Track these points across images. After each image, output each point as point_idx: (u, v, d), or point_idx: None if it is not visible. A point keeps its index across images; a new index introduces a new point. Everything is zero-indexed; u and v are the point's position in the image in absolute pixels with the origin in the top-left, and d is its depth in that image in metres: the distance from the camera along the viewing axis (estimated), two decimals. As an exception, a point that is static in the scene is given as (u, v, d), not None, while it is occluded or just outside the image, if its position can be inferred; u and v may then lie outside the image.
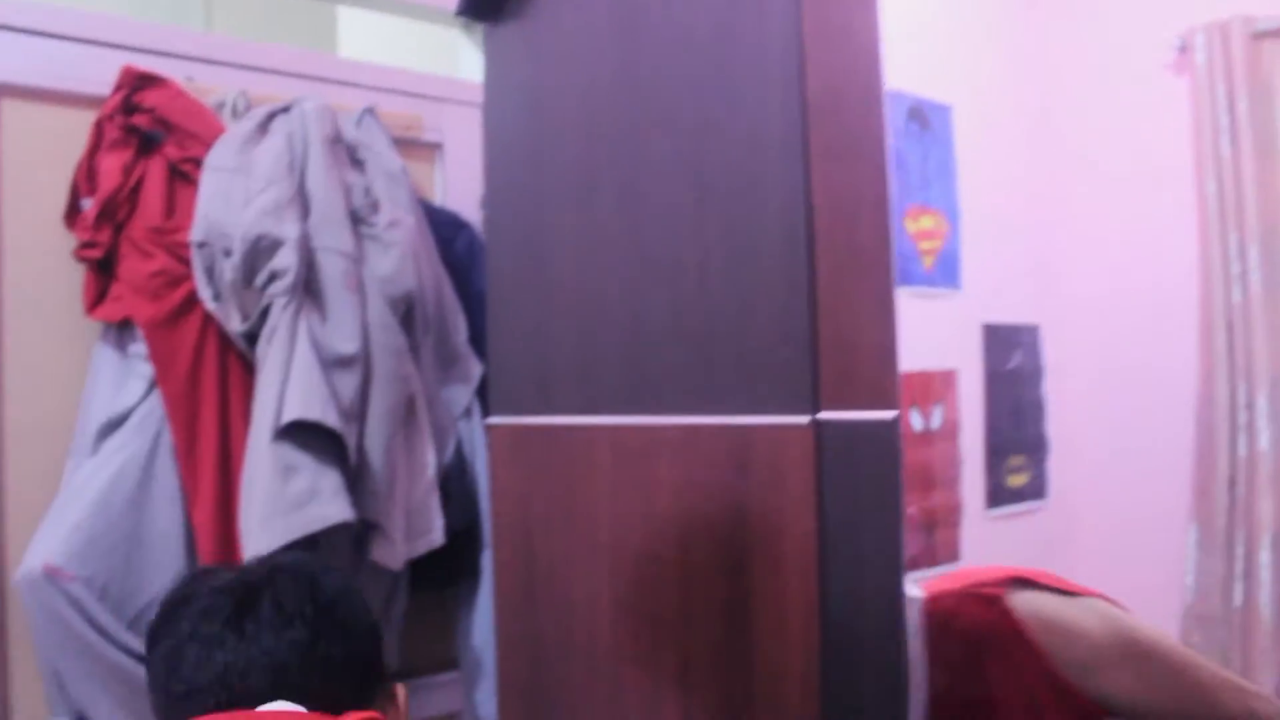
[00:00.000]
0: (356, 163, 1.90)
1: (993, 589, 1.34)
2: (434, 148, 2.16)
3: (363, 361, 1.70)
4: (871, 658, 1.07)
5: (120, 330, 1.72)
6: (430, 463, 1.81)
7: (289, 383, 1.61)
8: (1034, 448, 3.47)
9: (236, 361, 1.73)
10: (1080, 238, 3.48)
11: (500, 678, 1.39)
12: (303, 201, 1.75)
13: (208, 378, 1.70)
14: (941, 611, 1.35)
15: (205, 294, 1.70)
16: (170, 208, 1.75)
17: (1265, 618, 2.97)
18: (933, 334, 3.07)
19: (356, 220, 1.82)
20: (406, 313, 1.82)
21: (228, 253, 1.69)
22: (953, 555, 3.08)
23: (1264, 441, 3.00)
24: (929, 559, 3.00)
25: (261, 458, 1.57)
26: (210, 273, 1.70)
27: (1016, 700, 1.35)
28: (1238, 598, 3.03)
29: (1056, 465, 3.52)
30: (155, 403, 1.66)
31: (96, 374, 1.71)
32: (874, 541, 1.07)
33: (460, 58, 2.36)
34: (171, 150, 1.76)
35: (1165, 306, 3.27)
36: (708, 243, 1.17)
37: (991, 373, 3.29)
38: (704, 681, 1.18)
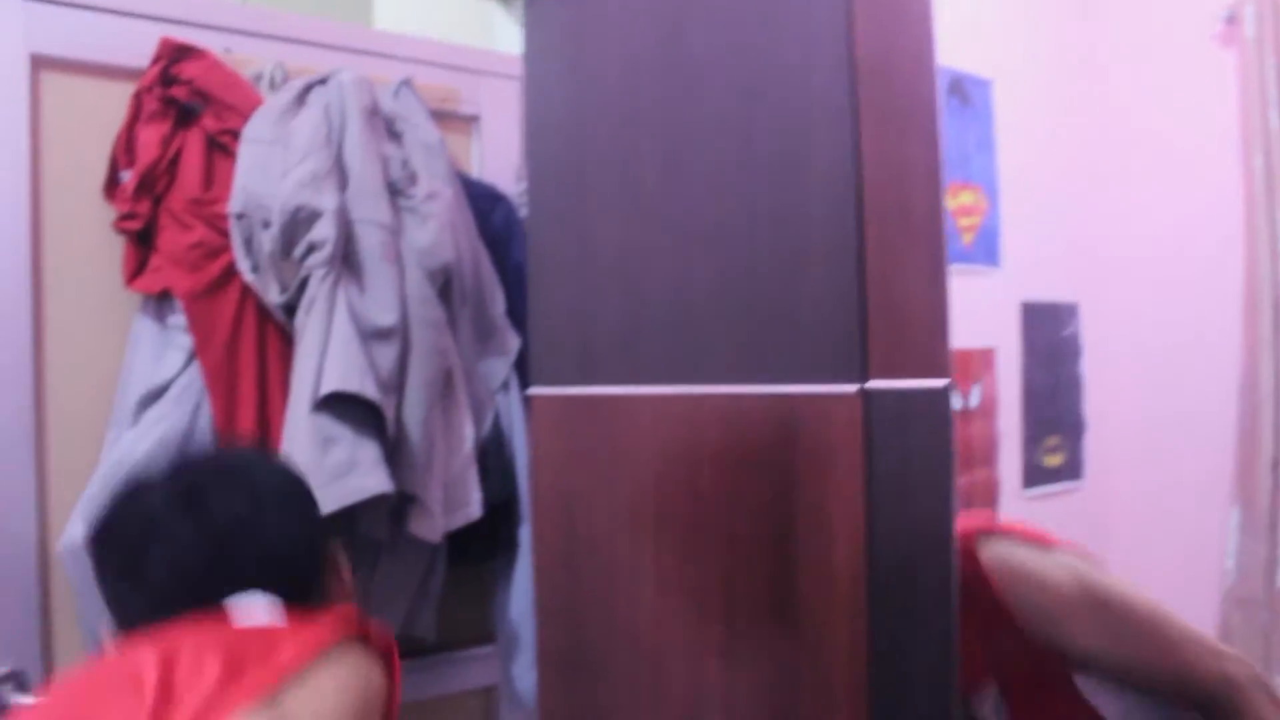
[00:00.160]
0: (394, 135, 1.89)
1: (963, 539, 1.32)
2: (471, 120, 2.15)
3: (401, 334, 1.70)
4: (921, 631, 1.05)
5: (159, 302, 1.72)
6: (468, 436, 1.80)
7: (327, 354, 1.60)
8: (1070, 427, 3.43)
9: (275, 333, 1.73)
10: (1122, 214, 3.43)
11: (539, 650, 1.39)
12: (340, 173, 1.74)
13: (246, 349, 1.70)
14: None
15: (244, 265, 1.70)
16: (209, 179, 1.75)
17: (1309, 601, 2.93)
18: (971, 312, 3.04)
19: (394, 192, 1.81)
20: (444, 285, 1.81)
21: (266, 224, 1.69)
22: (989, 535, 3.05)
23: (1309, 421, 2.95)
24: (965, 538, 2.97)
25: (300, 429, 1.57)
26: (249, 244, 1.70)
27: (980, 651, 1.33)
28: (1280, 580, 3.00)
29: (1093, 445, 3.49)
30: (194, 374, 1.66)
31: (136, 345, 1.71)
32: (924, 513, 1.05)
33: (497, 31, 2.34)
34: (209, 122, 1.76)
35: (1208, 284, 3.22)
36: (754, 209, 1.15)
37: (1029, 351, 3.26)
38: (749, 654, 1.17)
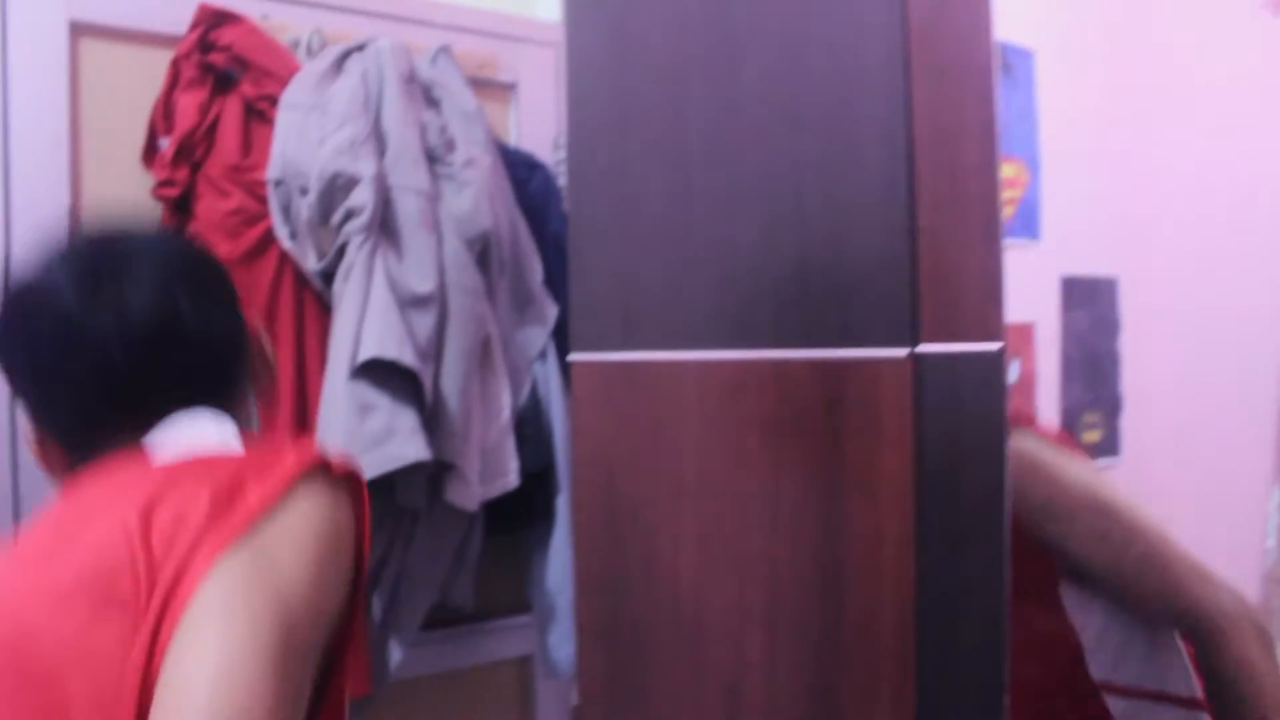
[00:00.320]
0: (431, 102, 1.87)
1: None
2: (508, 88, 2.13)
3: (439, 301, 1.68)
4: (971, 603, 1.03)
5: (197, 269, 1.71)
6: (506, 404, 1.79)
7: (365, 321, 1.59)
8: (1108, 404, 3.39)
9: (312, 300, 1.72)
10: (1164, 188, 3.37)
11: (578, 620, 1.37)
12: (378, 140, 1.73)
13: (284, 316, 1.70)
14: None
15: (281, 232, 1.69)
16: (247, 146, 1.74)
17: (1352, 581, 2.89)
18: (1010, 286, 2.99)
19: (432, 159, 1.79)
20: (482, 253, 1.79)
21: (304, 191, 1.68)
22: (1027, 511, 3.02)
23: (1356, 399, 2.90)
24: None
25: (338, 396, 1.56)
26: (287, 211, 1.70)
27: None
28: (1323, 560, 2.96)
29: (1131, 422, 3.44)
30: (233, 341, 1.65)
31: (175, 312, 1.70)
32: (976, 481, 1.03)
33: (535, -2, 2.32)
34: (247, 88, 1.75)
35: (1250, 260, 3.17)
36: (802, 168, 1.13)
37: (1068, 326, 3.22)
38: (791, 623, 1.15)
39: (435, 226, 1.73)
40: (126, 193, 1.72)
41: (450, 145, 1.83)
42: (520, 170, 2.00)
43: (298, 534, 0.79)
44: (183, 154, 1.70)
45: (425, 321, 1.66)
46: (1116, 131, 3.32)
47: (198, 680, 0.66)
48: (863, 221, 1.08)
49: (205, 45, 1.73)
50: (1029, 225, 3.05)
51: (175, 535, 0.74)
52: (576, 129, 1.39)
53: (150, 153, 1.75)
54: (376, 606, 1.73)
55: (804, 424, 1.14)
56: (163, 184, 1.71)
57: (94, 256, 0.91)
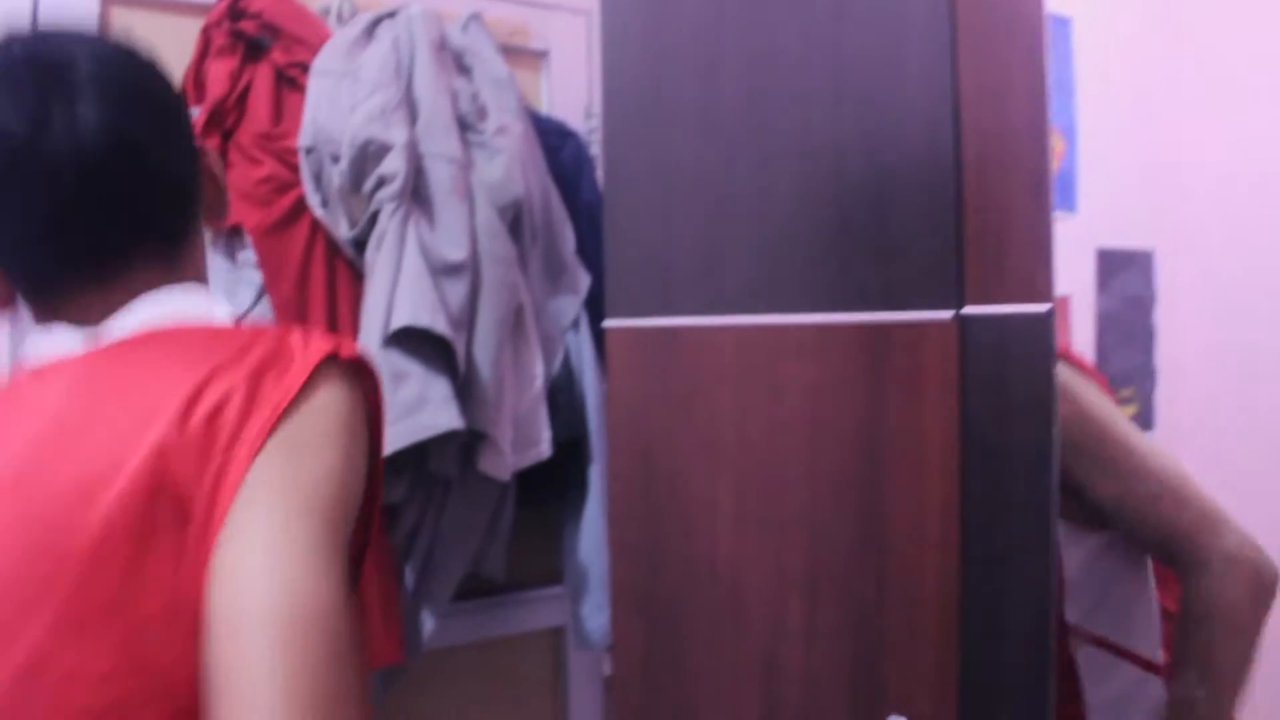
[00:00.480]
0: (463, 69, 1.85)
1: None
2: (540, 56, 2.11)
3: (471, 269, 1.67)
4: (1018, 572, 1.01)
5: (230, 238, 1.71)
6: (538, 374, 1.78)
7: (398, 289, 1.58)
8: (1142, 378, 3.35)
9: (344, 268, 1.71)
10: (1202, 160, 3.32)
11: (613, 589, 1.37)
12: (410, 107, 1.71)
13: (316, 284, 1.69)
14: None
15: (313, 200, 1.68)
16: (278, 114, 1.73)
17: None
18: (1046, 258, 2.96)
19: (463, 127, 1.78)
20: (514, 221, 1.78)
21: (335, 158, 1.67)
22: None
23: (1398, 373, 2.85)
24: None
25: (371, 364, 1.55)
26: (318, 179, 1.68)
27: None
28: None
29: (1165, 396, 3.40)
30: (265, 309, 1.65)
31: (207, 281, 1.70)
32: (1023, 446, 1.01)
33: (565, -35, 2.30)
34: (278, 56, 1.73)
35: (1289, 233, 3.11)
36: (844, 126, 1.11)
37: (1103, 299, 3.18)
38: (831, 592, 1.14)
39: (467, 194, 1.71)
40: (158, 161, 1.71)
41: (482, 113, 1.81)
42: (552, 138, 1.98)
43: (326, 428, 0.75)
44: (213, 122, 1.69)
45: (458, 290, 1.65)
46: (1155, 101, 3.26)
47: (255, 590, 0.65)
48: (906, 182, 1.06)
49: (236, 12, 1.71)
50: (1065, 197, 3.01)
51: (212, 439, 0.71)
52: (611, 93, 1.37)
53: (181, 121, 1.73)
54: (409, 576, 1.72)
55: (845, 389, 1.12)
56: (194, 152, 1.70)
57: (37, 73, 0.82)
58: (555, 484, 1.89)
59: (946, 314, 1.03)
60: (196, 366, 0.74)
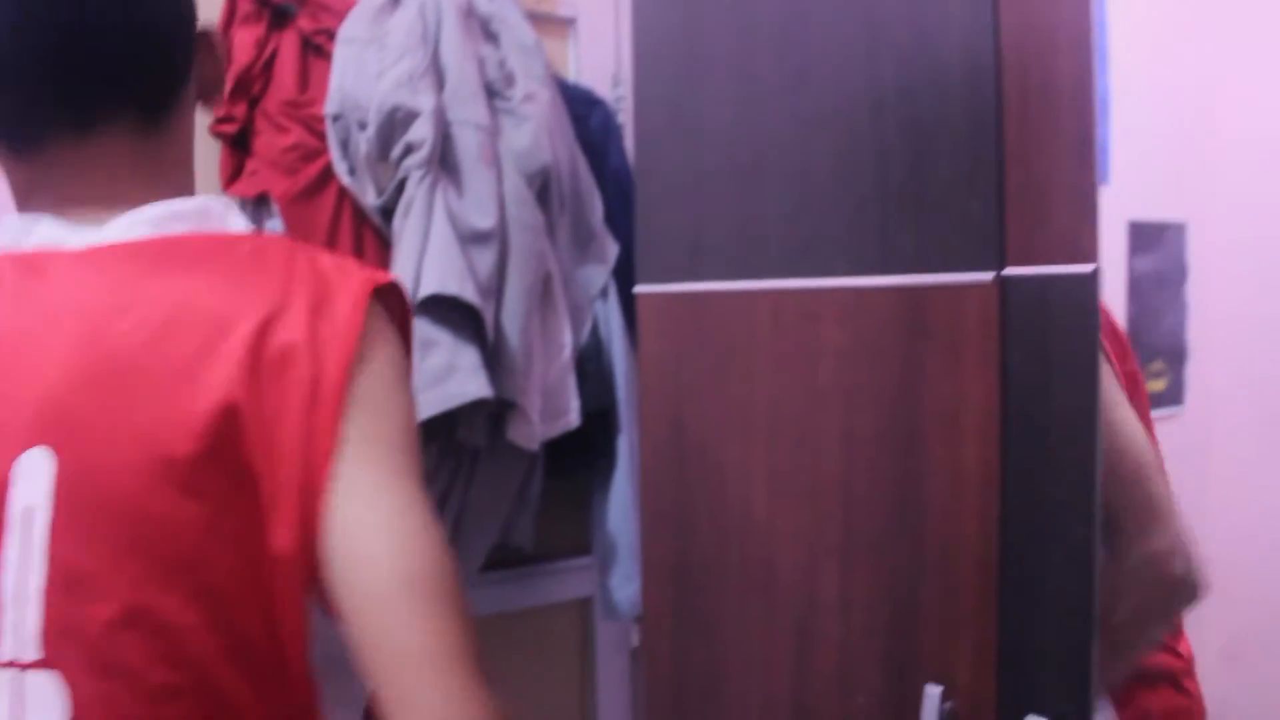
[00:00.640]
0: (489, 35, 1.83)
1: None
2: (567, 23, 2.09)
3: (499, 237, 1.66)
4: (1060, 542, 0.99)
5: (257, 206, 1.69)
6: (567, 343, 1.77)
7: (426, 256, 1.57)
8: (1173, 352, 3.31)
9: (371, 236, 1.71)
10: (1238, 132, 3.27)
11: (644, 558, 1.36)
12: (437, 74, 1.70)
13: (342, 252, 1.68)
14: None
15: (340, 168, 1.67)
16: (304, 81, 1.72)
17: None
18: (1077, 229, 2.91)
19: (491, 94, 1.76)
20: (542, 189, 1.76)
21: (362, 125, 1.66)
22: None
23: None
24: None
25: (399, 332, 1.54)
26: (345, 146, 1.67)
27: None
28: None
29: (1195, 371, 3.36)
30: (292, 277, 1.64)
31: (234, 249, 1.69)
32: (1065, 411, 0.99)
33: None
34: (304, 23, 1.72)
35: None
36: (881, 84, 1.08)
37: (1135, 272, 3.14)
38: (867, 559, 1.12)
39: (495, 162, 1.70)
40: (184, 129, 1.70)
41: (509, 80, 1.80)
42: (580, 107, 1.96)
43: (392, 378, 0.75)
44: (240, 90, 1.68)
45: (486, 258, 1.63)
46: (1187, 73, 3.21)
47: (384, 560, 0.67)
48: (945, 141, 1.04)
49: (262, -21, 1.70)
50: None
51: (284, 395, 0.69)
52: (642, 55, 1.35)
53: (208, 89, 1.72)
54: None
55: (882, 353, 1.10)
56: (220, 120, 1.69)
57: None
58: (583, 454, 1.88)
59: (987, 276, 1.01)
60: (244, 297, 0.72)
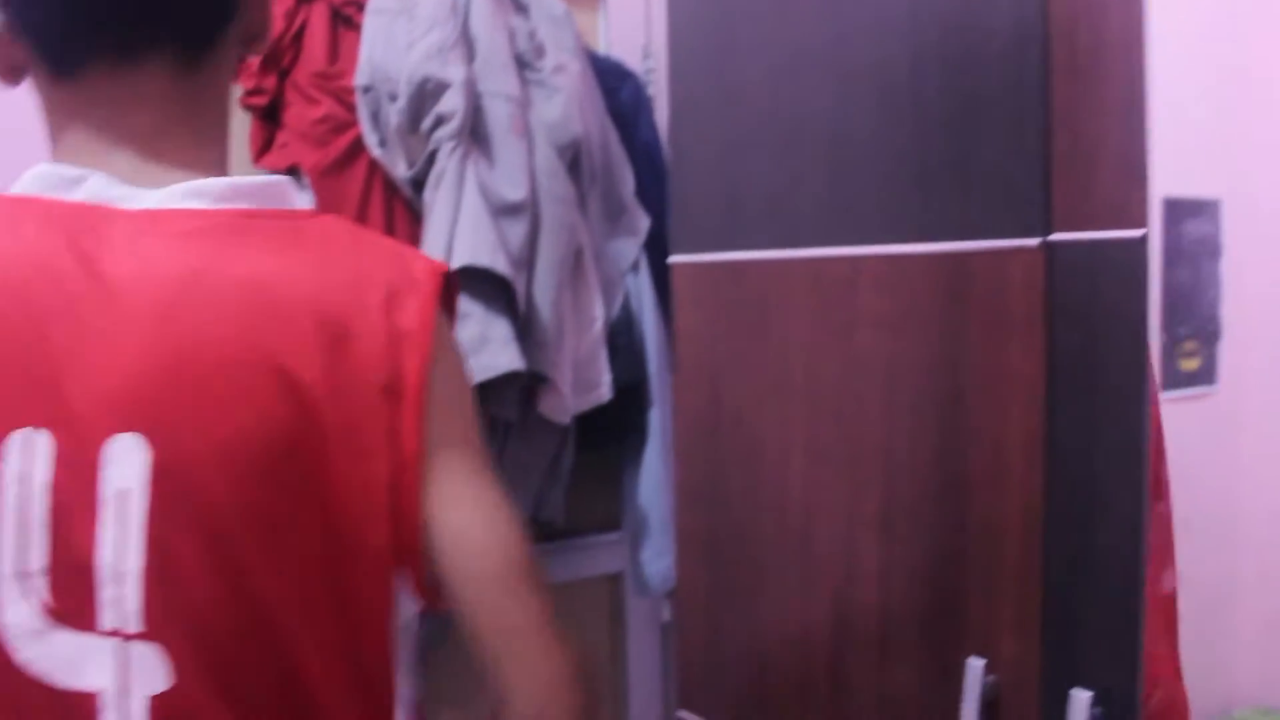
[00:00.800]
0: (519, 7, 1.81)
1: None
2: (597, -6, 2.07)
3: (530, 209, 1.64)
4: (1105, 506, 0.97)
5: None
6: (598, 316, 1.75)
7: (457, 228, 1.56)
8: (1207, 331, 3.26)
9: (402, 208, 1.69)
10: (1275, 107, 3.21)
11: (678, 530, 1.35)
12: (467, 44, 1.68)
13: (373, 224, 1.67)
14: None
15: (371, 140, 1.66)
16: (334, 53, 1.71)
17: None
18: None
19: (521, 65, 1.74)
20: (573, 162, 1.74)
21: (393, 97, 1.64)
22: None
23: None
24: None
25: (430, 305, 1.53)
26: (376, 118, 1.66)
27: None
28: None
29: (1229, 350, 3.31)
30: (323, 250, 1.63)
31: (265, 222, 1.69)
32: (1112, 379, 0.97)
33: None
34: (333, -6, 1.71)
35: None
36: (924, 46, 1.06)
37: (1169, 249, 3.09)
38: (908, 530, 1.11)
39: (526, 133, 1.68)
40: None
41: (539, 51, 1.78)
42: (610, 79, 1.94)
43: (458, 366, 0.79)
44: (270, 62, 1.67)
45: (517, 230, 1.62)
46: (1223, 48, 3.16)
47: (485, 550, 0.75)
48: (989, 104, 1.02)
49: (290, -51, 1.69)
50: (1132, 141, 2.93)
51: (361, 385, 0.72)
52: (677, 23, 1.33)
53: (237, 61, 1.72)
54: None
55: (923, 321, 1.08)
56: (250, 92, 1.68)
57: None
58: (614, 429, 1.87)
59: (1032, 241, 0.99)
60: (318, 285, 0.73)
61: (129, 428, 0.67)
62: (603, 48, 2.07)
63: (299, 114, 1.67)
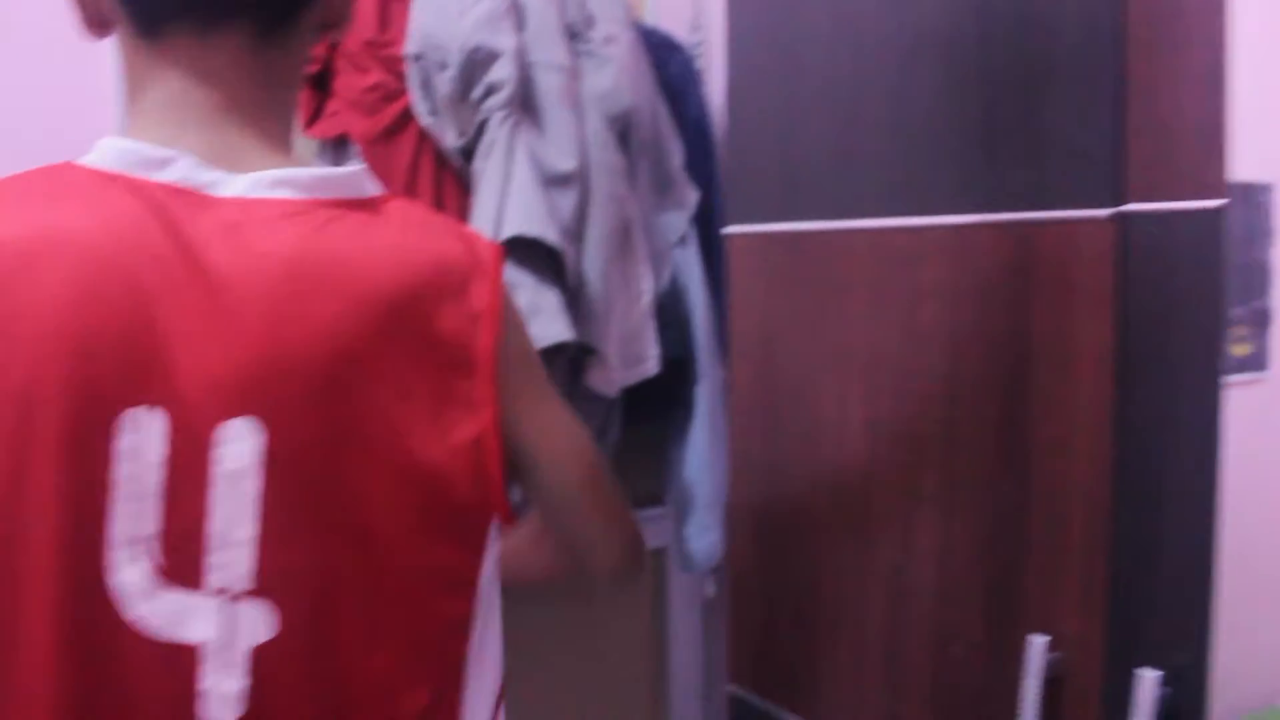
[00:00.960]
0: (569, -24, 1.80)
1: None
2: (646, -35, 2.05)
3: (581, 180, 1.63)
4: (1176, 485, 0.95)
5: (336, 147, 1.68)
6: (646, 289, 1.74)
7: (508, 198, 1.55)
8: (1256, 318, 3.21)
9: (451, 178, 1.68)
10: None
11: (730, 504, 1.33)
12: (517, 13, 1.67)
13: (423, 194, 1.66)
14: None
15: (421, 109, 1.65)
16: (384, 21, 1.69)
17: None
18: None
19: (571, 35, 1.73)
20: (623, 133, 1.73)
21: (443, 65, 1.63)
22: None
23: None
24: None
25: (480, 274, 1.52)
26: (426, 87, 1.65)
27: None
28: None
29: (1280, 338, 3.27)
30: (372, 219, 1.63)
31: (314, 191, 1.68)
32: (1187, 352, 0.94)
33: None
34: (384, -38, 1.70)
35: None
36: (992, 10, 1.04)
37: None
38: (969, 505, 1.09)
39: (576, 104, 1.67)
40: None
41: (589, 21, 1.76)
42: (659, 51, 1.92)
43: (524, 330, 0.89)
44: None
45: (567, 201, 1.61)
46: (1277, 29, 3.10)
47: (567, 456, 0.91)
48: (1060, 68, 0.99)
49: (341, -84, 1.67)
50: (1185, 121, 2.88)
51: (447, 373, 0.78)
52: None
53: (287, 29, 1.71)
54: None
55: (988, 294, 1.06)
56: (300, 61, 1.67)
57: None
58: (660, 403, 1.86)
59: (1102, 212, 0.96)
60: (408, 271, 0.78)
61: (241, 412, 0.71)
62: (650, 20, 2.05)
63: (349, 82, 1.66)
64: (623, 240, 1.71)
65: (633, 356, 1.72)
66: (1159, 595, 0.96)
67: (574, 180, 1.62)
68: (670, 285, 1.85)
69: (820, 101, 1.19)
